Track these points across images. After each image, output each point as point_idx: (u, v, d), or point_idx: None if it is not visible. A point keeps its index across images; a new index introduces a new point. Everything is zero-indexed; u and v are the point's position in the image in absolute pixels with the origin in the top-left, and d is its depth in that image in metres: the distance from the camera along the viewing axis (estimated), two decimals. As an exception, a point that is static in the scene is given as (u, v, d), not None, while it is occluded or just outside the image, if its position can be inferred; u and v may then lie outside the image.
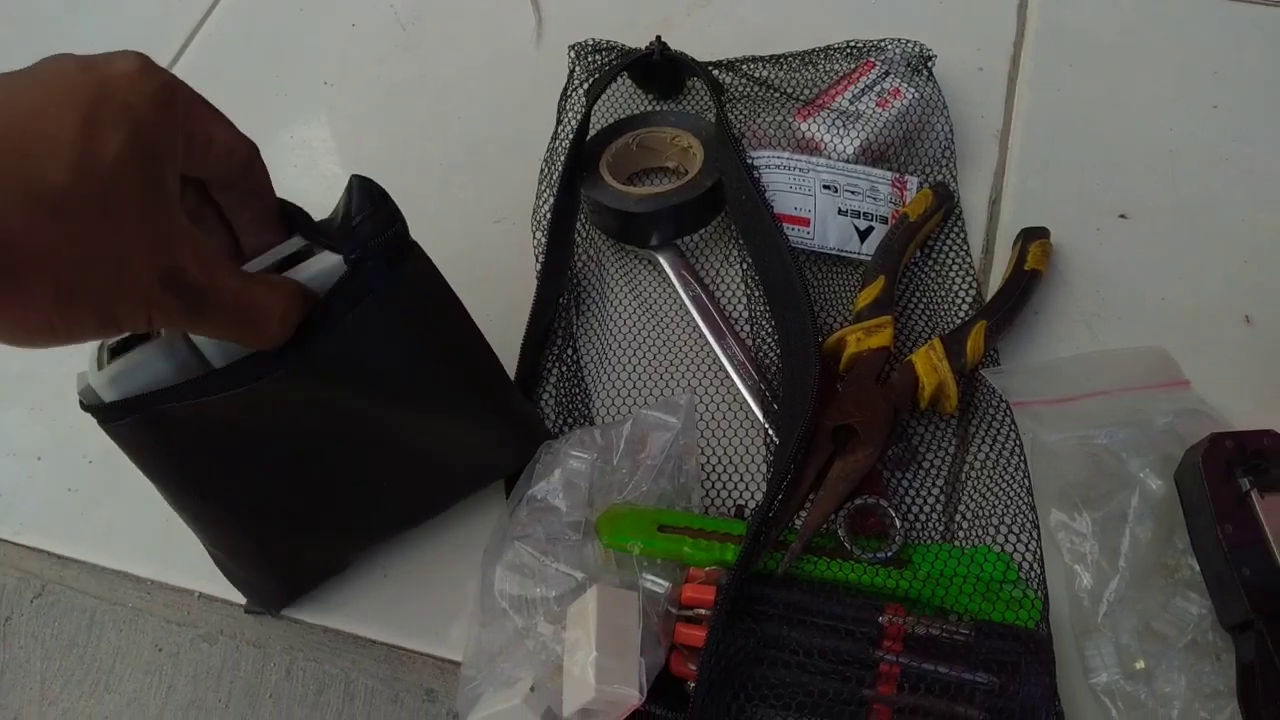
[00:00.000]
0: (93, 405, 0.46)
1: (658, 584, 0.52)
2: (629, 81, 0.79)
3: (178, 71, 0.89)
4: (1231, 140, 0.72)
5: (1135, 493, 0.55)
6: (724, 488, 0.61)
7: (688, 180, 0.68)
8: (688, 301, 0.67)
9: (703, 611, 0.51)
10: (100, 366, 0.45)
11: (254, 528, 0.54)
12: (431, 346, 0.50)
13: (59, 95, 0.36)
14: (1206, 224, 0.68)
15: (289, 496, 0.53)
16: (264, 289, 0.43)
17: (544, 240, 0.68)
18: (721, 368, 0.65)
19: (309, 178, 0.81)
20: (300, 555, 0.57)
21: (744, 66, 0.76)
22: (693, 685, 0.50)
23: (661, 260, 0.68)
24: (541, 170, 0.73)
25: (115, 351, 0.45)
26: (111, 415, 0.46)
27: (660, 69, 0.75)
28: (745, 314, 0.66)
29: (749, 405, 0.63)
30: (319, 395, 0.48)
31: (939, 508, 0.59)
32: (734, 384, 0.64)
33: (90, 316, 0.37)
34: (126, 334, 0.45)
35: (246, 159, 0.44)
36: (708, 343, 0.66)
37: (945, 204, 0.69)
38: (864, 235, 0.68)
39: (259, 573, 0.58)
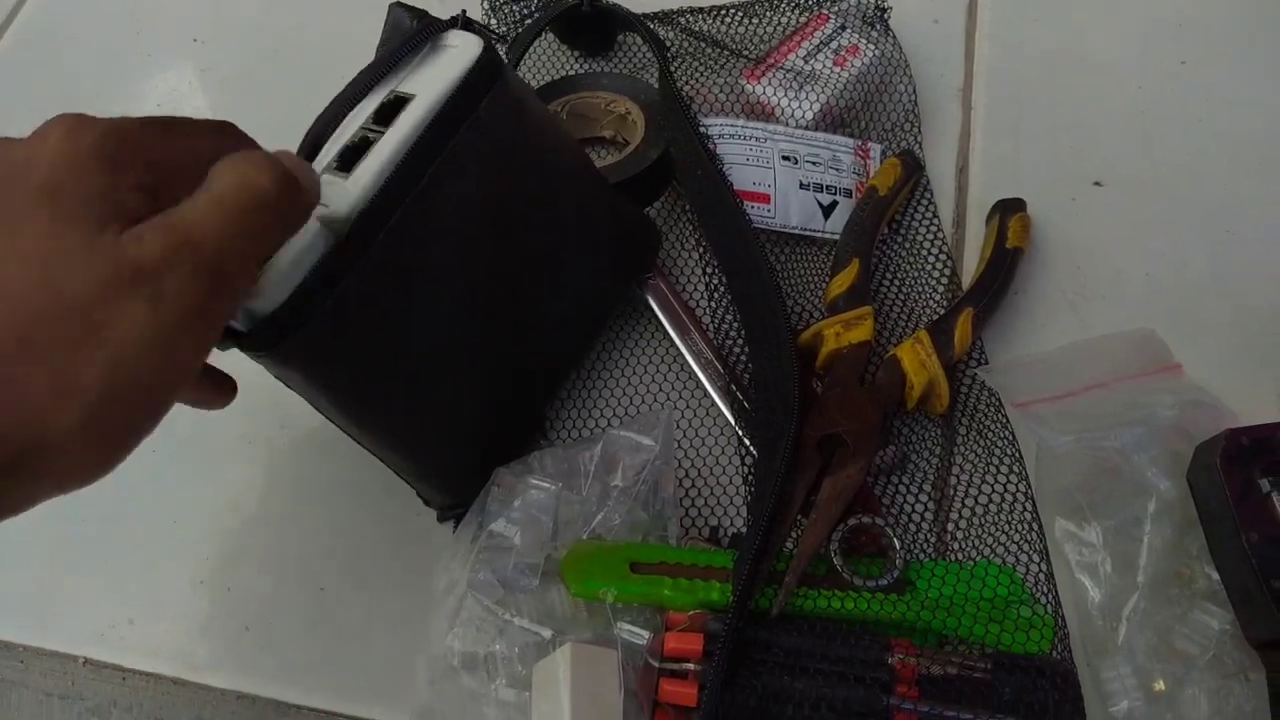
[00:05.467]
0: (262, 326, 0.40)
1: (636, 634, 0.45)
2: (552, 37, 0.70)
3: (16, 31, 0.76)
4: (1203, 98, 0.67)
5: (1152, 498, 0.50)
6: (696, 508, 0.54)
7: (630, 153, 0.60)
8: (645, 292, 0.59)
9: (690, 665, 0.44)
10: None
11: (449, 404, 0.50)
12: (548, 139, 0.50)
13: None
14: (1184, 190, 0.64)
15: (470, 351, 0.50)
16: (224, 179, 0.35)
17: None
18: (686, 366, 0.58)
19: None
20: (495, 420, 0.54)
21: (682, 19, 0.68)
22: (684, 751, 0.44)
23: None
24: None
25: None
26: (290, 321, 0.40)
27: (589, 22, 0.66)
28: (706, 305, 0.59)
29: (720, 410, 0.56)
30: (474, 195, 0.46)
31: (929, 518, 0.53)
32: (701, 386, 0.57)
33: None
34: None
35: (217, 149, 0.36)
36: (669, 339, 0.58)
37: (915, 174, 0.63)
38: (828, 211, 0.61)
39: (459, 461, 0.52)
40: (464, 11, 0.46)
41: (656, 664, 0.45)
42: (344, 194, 0.41)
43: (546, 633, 0.45)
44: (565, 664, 0.42)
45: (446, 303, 0.47)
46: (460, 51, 0.44)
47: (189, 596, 0.53)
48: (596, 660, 0.43)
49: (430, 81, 0.43)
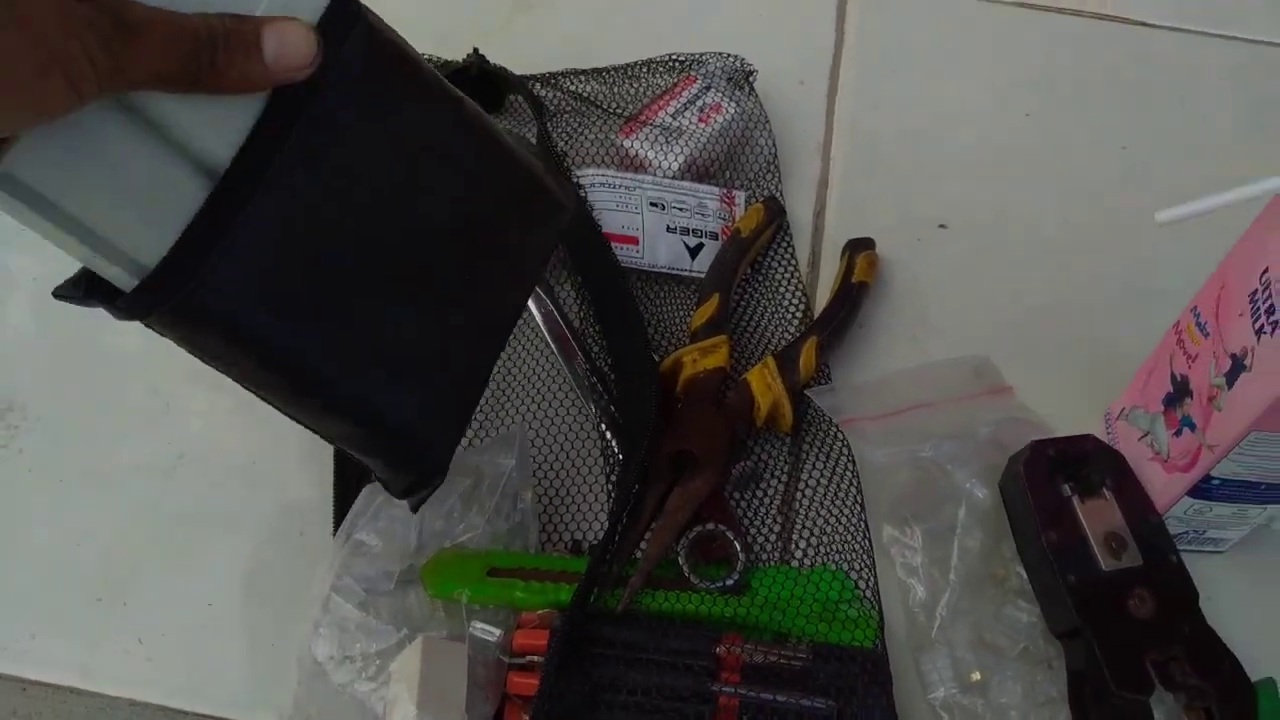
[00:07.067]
0: (150, 280, 0.38)
1: (488, 632, 0.50)
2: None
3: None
4: (1044, 147, 0.74)
5: (962, 504, 0.55)
6: (563, 522, 0.59)
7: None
8: (539, 320, 0.64)
9: (536, 658, 0.49)
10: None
11: (377, 338, 0.46)
12: (419, 82, 0.45)
13: None
14: (1023, 231, 0.70)
15: (379, 321, 0.46)
16: (182, 16, 0.35)
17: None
18: (573, 391, 0.63)
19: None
20: (436, 371, 0.49)
21: (565, 81, 0.74)
22: (528, 736, 0.48)
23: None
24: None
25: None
26: (181, 274, 0.38)
27: (478, 84, 0.72)
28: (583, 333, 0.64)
29: (591, 430, 0.61)
30: (349, 146, 0.42)
31: (776, 528, 0.58)
32: (582, 407, 0.62)
33: (24, 48, 0.29)
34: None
35: None
36: (559, 364, 0.63)
37: (777, 218, 0.68)
38: (694, 252, 0.67)
39: (400, 431, 0.48)
40: None
41: (506, 659, 0.50)
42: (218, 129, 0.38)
43: (404, 632, 0.49)
44: (417, 656, 0.47)
45: (354, 226, 0.44)
46: None
47: (87, 612, 0.57)
48: (446, 653, 0.47)
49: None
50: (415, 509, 0.51)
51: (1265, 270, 0.47)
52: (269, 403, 0.46)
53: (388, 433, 0.48)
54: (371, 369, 0.46)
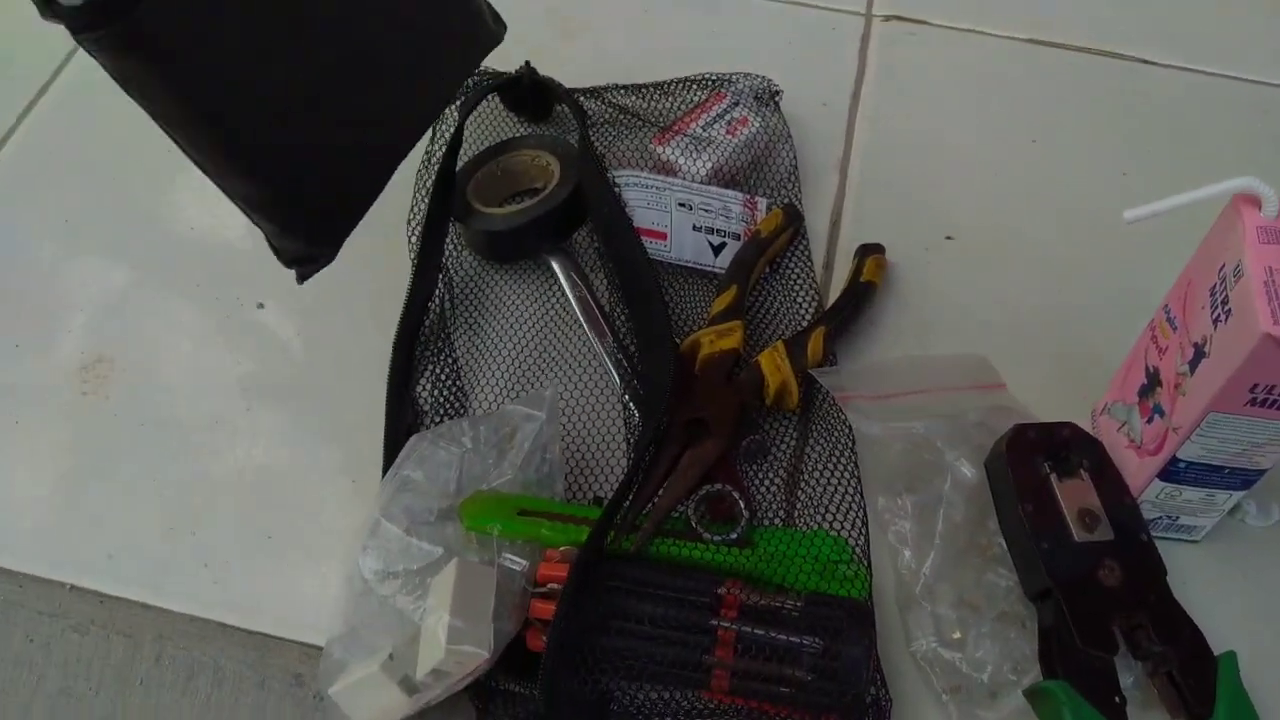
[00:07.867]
0: (71, 9, 0.40)
1: (516, 562, 0.56)
2: (504, 109, 0.83)
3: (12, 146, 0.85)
4: (1047, 170, 0.80)
5: (948, 479, 0.61)
6: (589, 480, 0.65)
7: (545, 195, 0.73)
8: (574, 302, 0.71)
9: (557, 587, 0.55)
10: None
11: (278, 130, 0.51)
12: None
13: None
14: (1021, 247, 0.76)
15: (300, 81, 0.50)
16: None
17: (418, 243, 0.71)
18: (601, 365, 0.69)
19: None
20: (333, 163, 0.54)
21: (607, 94, 0.82)
22: (545, 656, 0.54)
23: (553, 264, 0.73)
24: (416, 180, 0.76)
25: None
26: (98, 18, 0.41)
27: (530, 93, 0.80)
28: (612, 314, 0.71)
29: (616, 398, 0.68)
30: None
31: (781, 495, 0.64)
32: (611, 380, 0.69)
33: None
34: None
35: None
36: (590, 341, 0.70)
37: (794, 223, 0.75)
38: (717, 250, 0.73)
39: (299, 198, 0.53)
40: None
41: (531, 588, 0.55)
42: None
43: (442, 553, 0.55)
44: (453, 572, 0.52)
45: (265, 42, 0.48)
46: None
47: (160, 539, 0.64)
48: (478, 575, 0.53)
49: None
50: (302, 280, 0.56)
51: (1222, 265, 0.52)
52: (185, 151, 0.49)
53: (290, 190, 0.52)
54: (289, 126, 0.50)
